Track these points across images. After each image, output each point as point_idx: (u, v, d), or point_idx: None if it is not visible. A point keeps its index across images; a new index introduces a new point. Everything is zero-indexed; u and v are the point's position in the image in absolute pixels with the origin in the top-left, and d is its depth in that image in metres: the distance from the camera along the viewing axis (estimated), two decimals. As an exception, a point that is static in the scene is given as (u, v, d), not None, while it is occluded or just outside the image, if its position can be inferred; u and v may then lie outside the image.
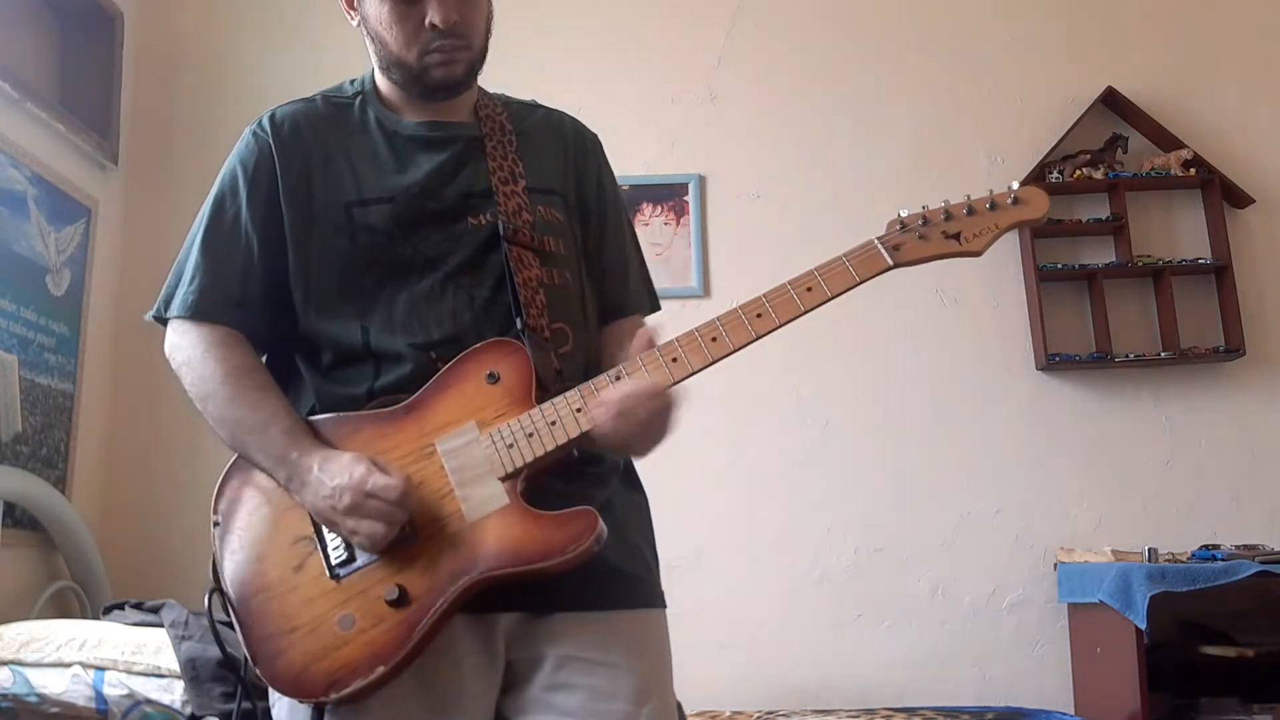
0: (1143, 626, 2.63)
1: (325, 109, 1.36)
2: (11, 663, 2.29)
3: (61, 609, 2.91)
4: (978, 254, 1.23)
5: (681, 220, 3.43)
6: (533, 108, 1.45)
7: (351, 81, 1.40)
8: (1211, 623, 2.89)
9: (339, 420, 1.22)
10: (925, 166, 3.43)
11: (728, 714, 2.80)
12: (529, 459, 1.15)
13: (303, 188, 1.29)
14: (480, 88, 1.40)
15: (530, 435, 1.16)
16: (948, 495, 3.26)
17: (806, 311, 1.20)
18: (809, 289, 1.20)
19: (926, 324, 3.37)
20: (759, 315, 1.19)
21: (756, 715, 2.79)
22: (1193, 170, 3.36)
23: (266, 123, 1.33)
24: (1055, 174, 3.41)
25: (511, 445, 1.16)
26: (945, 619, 3.20)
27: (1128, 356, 3.26)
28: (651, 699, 1.20)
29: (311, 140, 1.31)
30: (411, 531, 1.14)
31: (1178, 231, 3.44)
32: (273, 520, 1.19)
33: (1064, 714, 2.86)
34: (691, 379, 1.19)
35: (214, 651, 2.22)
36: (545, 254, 1.30)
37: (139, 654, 2.27)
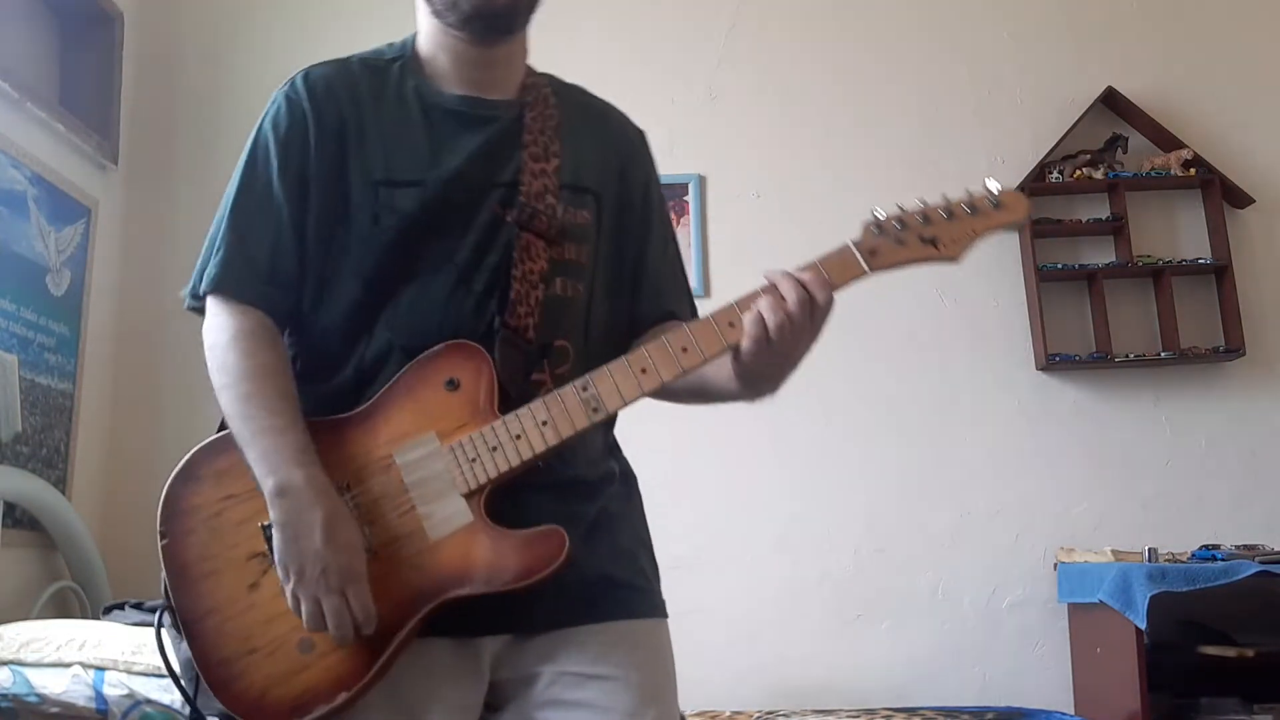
0: (1143, 626, 2.63)
1: (361, 73, 1.26)
2: (11, 663, 2.29)
3: (61, 609, 2.91)
4: (955, 261, 1.17)
5: (681, 220, 3.43)
6: (581, 92, 1.37)
7: (390, 45, 1.31)
8: (1211, 623, 2.89)
9: None
10: (925, 166, 3.43)
11: (728, 714, 2.80)
12: (492, 475, 1.10)
13: (334, 159, 1.21)
14: (529, 66, 1.32)
15: (494, 449, 1.10)
16: (948, 495, 3.26)
17: None
18: (730, 324, 1.12)
19: (926, 324, 3.36)
20: (731, 325, 1.11)
21: (756, 715, 2.79)
22: (1193, 170, 3.36)
23: (301, 85, 1.24)
24: (1055, 174, 3.40)
25: (474, 460, 1.10)
26: (945, 619, 3.19)
27: (1128, 356, 3.26)
28: (650, 710, 1.15)
29: (346, 107, 1.23)
30: (371, 550, 1.09)
31: (1178, 231, 3.44)
32: (223, 535, 1.12)
33: (1064, 714, 2.85)
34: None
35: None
36: (559, 249, 1.22)
37: (139, 654, 2.27)
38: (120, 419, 3.33)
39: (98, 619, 2.67)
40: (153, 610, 2.51)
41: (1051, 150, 3.40)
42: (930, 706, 2.92)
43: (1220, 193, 3.35)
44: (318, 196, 1.20)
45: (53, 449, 3.03)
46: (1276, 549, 2.89)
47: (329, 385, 1.19)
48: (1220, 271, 3.33)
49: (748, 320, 1.09)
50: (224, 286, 1.19)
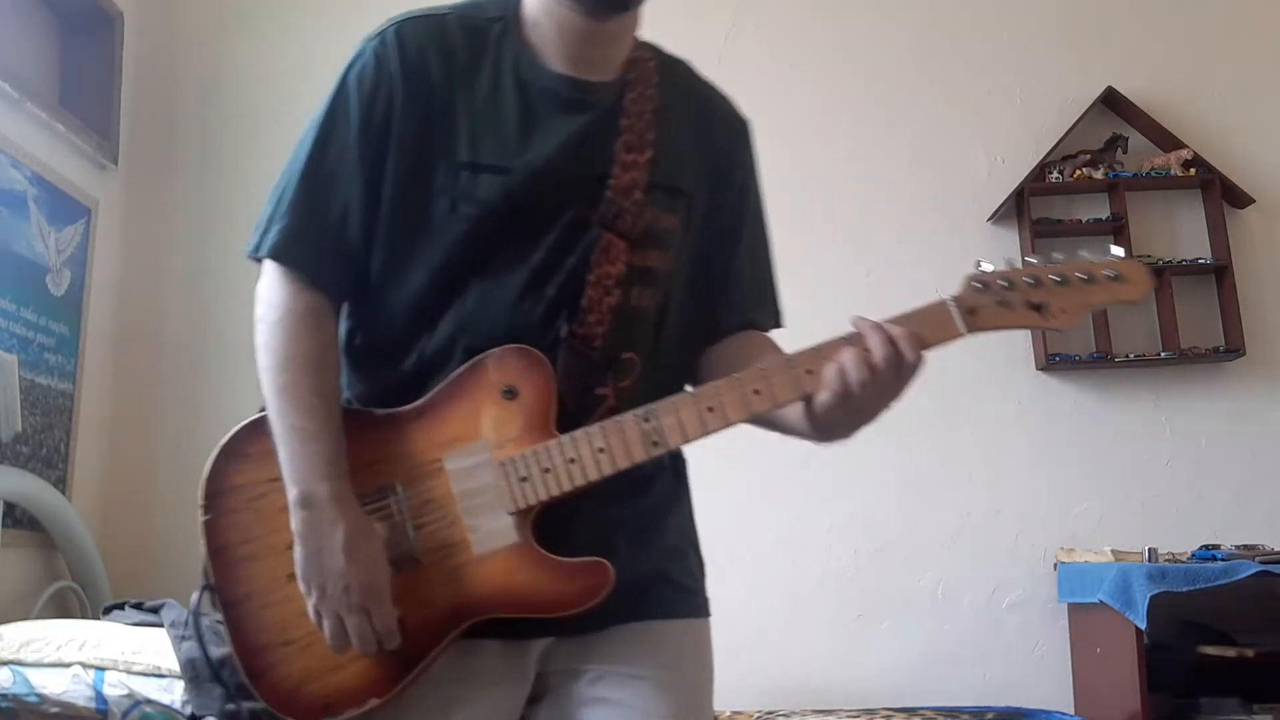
0: (1143, 626, 2.63)
1: (458, 35, 1.15)
2: (11, 663, 2.29)
3: (61, 609, 2.91)
4: (1059, 329, 1.10)
5: (681, 220, 3.43)
6: (687, 73, 1.28)
7: (494, 1, 1.19)
8: (1211, 623, 2.88)
9: (344, 416, 1.11)
10: (925, 166, 3.43)
11: (728, 714, 2.80)
12: (542, 498, 1.06)
13: (418, 130, 1.12)
14: (635, 37, 1.22)
15: (546, 471, 1.06)
16: (948, 495, 3.26)
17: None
18: (810, 371, 1.07)
19: (926, 324, 3.36)
20: (810, 372, 1.06)
21: (756, 715, 2.79)
22: (1193, 170, 3.36)
23: (393, 40, 1.14)
24: (1055, 174, 3.40)
25: (525, 479, 1.06)
26: (945, 619, 3.19)
27: (1128, 356, 3.26)
28: (690, 713, 1.15)
29: (437, 73, 1.13)
30: (416, 557, 1.07)
31: (1178, 231, 3.44)
32: (266, 519, 1.09)
33: (1064, 714, 2.85)
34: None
35: (214, 651, 2.22)
36: (640, 255, 1.14)
37: (139, 654, 2.27)
38: (120, 419, 3.33)
39: (98, 619, 2.67)
40: (154, 610, 2.52)
41: (1051, 150, 3.40)
42: (930, 706, 2.92)
43: (1220, 193, 3.35)
44: (396, 168, 1.13)
45: (53, 449, 3.03)
46: (1276, 549, 2.88)
47: (390, 372, 1.14)
48: (1220, 271, 3.33)
49: (829, 373, 1.04)
50: (285, 256, 1.12)
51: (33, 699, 2.27)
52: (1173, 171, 3.37)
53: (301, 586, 1.05)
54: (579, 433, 1.07)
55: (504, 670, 1.11)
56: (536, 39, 1.16)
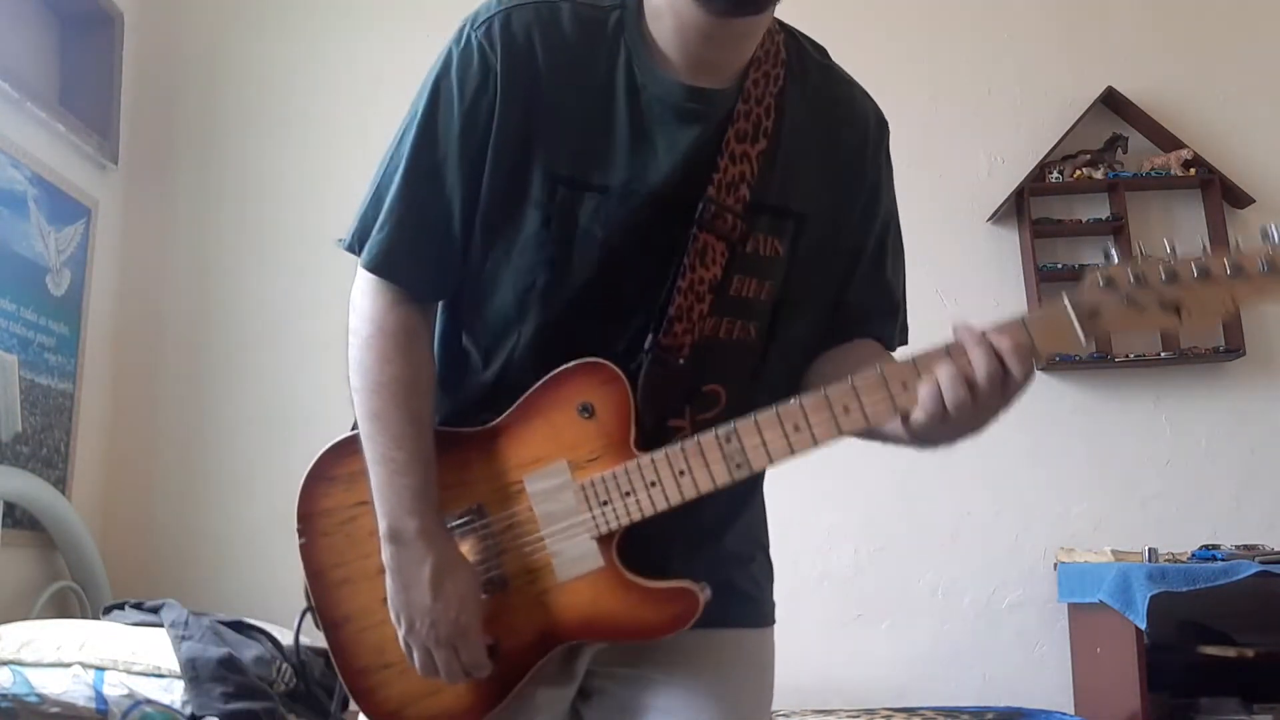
0: (1143, 626, 2.63)
1: (571, 27, 1.05)
2: (11, 663, 2.29)
3: (61, 609, 2.91)
4: (1194, 329, 0.99)
5: (682, 220, 3.43)
6: (820, 70, 1.14)
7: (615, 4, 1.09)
8: (1211, 623, 2.88)
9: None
10: (925, 166, 3.43)
11: (728, 714, 2.80)
12: (624, 522, 1.03)
13: (519, 133, 1.05)
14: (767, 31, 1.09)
15: (627, 495, 1.02)
16: (948, 495, 3.26)
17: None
18: (905, 387, 0.98)
19: (926, 324, 3.34)
20: (905, 386, 0.96)
21: (756, 715, 2.79)
22: (1193, 170, 3.36)
23: (499, 31, 1.04)
24: (1055, 174, 3.40)
25: (606, 503, 1.03)
26: (945, 619, 3.19)
27: (1128, 356, 3.26)
28: None
29: (546, 70, 1.04)
30: (504, 581, 1.07)
31: (1178, 231, 3.44)
32: (357, 543, 1.09)
33: (1064, 714, 2.85)
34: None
35: (214, 651, 2.22)
36: (735, 278, 1.06)
37: (139, 654, 2.27)
38: (120, 419, 3.33)
39: (98, 619, 2.67)
40: (154, 610, 2.52)
41: (1051, 150, 3.40)
42: (930, 706, 2.92)
43: (1220, 193, 3.34)
44: (494, 171, 1.06)
45: (53, 449, 3.03)
46: (1276, 549, 2.88)
47: (471, 383, 1.12)
48: (1220, 271, 3.32)
49: (924, 393, 0.94)
50: (383, 268, 1.07)
51: (33, 699, 2.27)
52: (1173, 171, 3.37)
53: (392, 617, 1.06)
54: (659, 454, 1.02)
55: (558, 670, 1.11)
56: (655, 32, 1.06)
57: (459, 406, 1.13)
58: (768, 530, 1.23)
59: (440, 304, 1.14)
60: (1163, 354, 3.26)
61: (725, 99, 1.07)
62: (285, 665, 2.31)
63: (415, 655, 1.05)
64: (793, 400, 1.00)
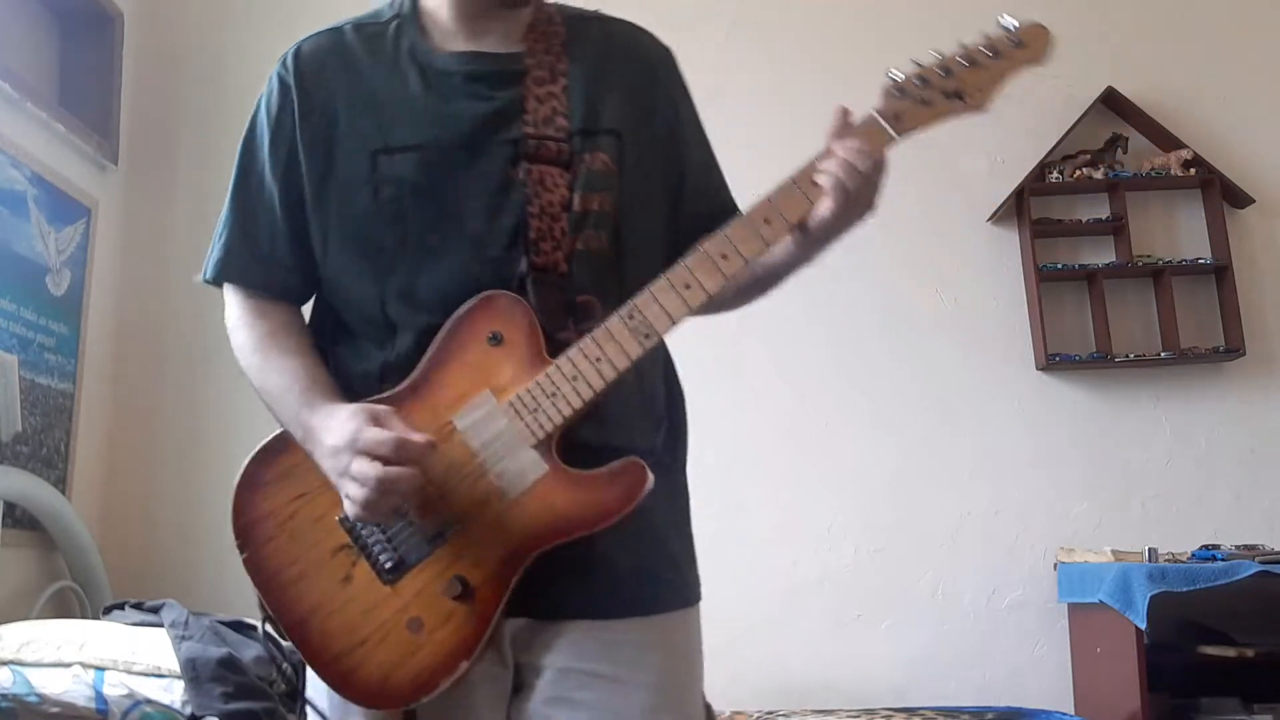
0: (1143, 626, 2.63)
1: (355, 40, 1.22)
2: (11, 663, 2.29)
3: (61, 609, 2.91)
4: (982, 111, 1.13)
5: (681, 220, 3.43)
6: (597, 22, 1.29)
7: (391, 3, 1.27)
8: (1211, 623, 2.89)
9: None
10: (925, 166, 3.43)
11: (727, 714, 2.80)
12: (558, 421, 1.07)
13: (324, 135, 1.18)
14: (537, 5, 1.25)
15: (553, 395, 1.07)
16: (948, 495, 3.26)
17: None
18: (815, 182, 1.11)
19: (926, 324, 3.36)
20: (768, 221, 1.10)
21: (756, 715, 2.79)
22: (1193, 170, 3.36)
23: (290, 61, 1.23)
24: (1055, 174, 3.40)
25: (536, 410, 1.08)
26: (945, 619, 3.20)
27: (1128, 356, 3.26)
28: (664, 714, 1.13)
29: (335, 80, 1.20)
30: (455, 519, 1.09)
31: (1178, 231, 3.44)
32: (303, 536, 1.12)
33: (1064, 714, 2.85)
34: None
35: (214, 651, 2.22)
36: (578, 194, 1.15)
37: (139, 654, 2.27)
38: (120, 419, 3.33)
39: (98, 619, 2.67)
40: (154, 610, 2.52)
41: (1051, 150, 3.40)
42: (930, 706, 2.92)
43: (1220, 193, 3.35)
44: (310, 170, 1.19)
45: (53, 449, 3.03)
46: (1276, 549, 2.89)
47: (369, 366, 1.17)
48: (1220, 271, 3.33)
49: (826, 182, 1.09)
50: (227, 274, 1.23)
51: (33, 699, 2.27)
52: (1173, 171, 3.37)
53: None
54: (571, 350, 1.08)
55: (492, 664, 1.12)
56: (435, 23, 1.22)
57: (371, 386, 1.16)
58: (687, 508, 1.27)
59: (320, 320, 1.23)
60: (1163, 354, 3.26)
61: (514, 57, 1.19)
62: (286, 665, 2.31)
63: (350, 496, 1.05)
64: (678, 263, 1.09)
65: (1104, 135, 3.42)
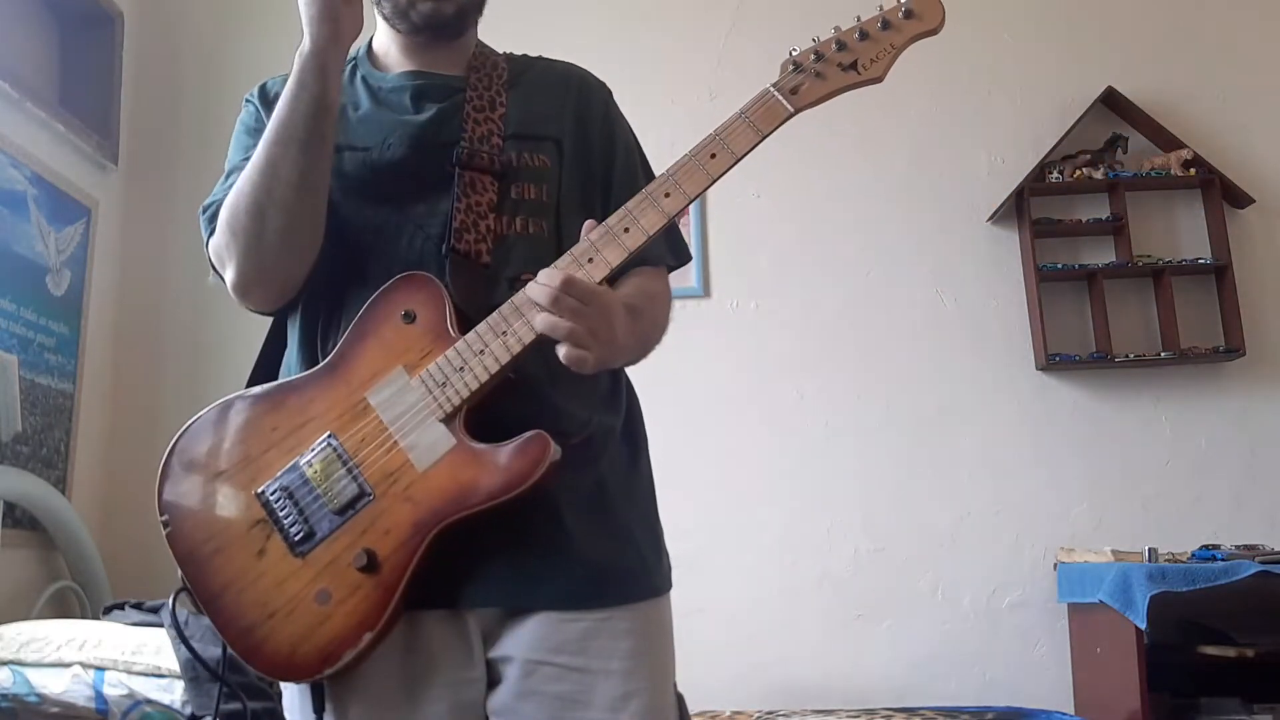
0: (1143, 626, 2.63)
1: None
2: (11, 663, 2.29)
3: (61, 609, 2.91)
4: (879, 80, 1.18)
5: (681, 220, 3.43)
6: (536, 60, 1.39)
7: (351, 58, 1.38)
8: (1211, 623, 2.88)
9: (262, 393, 1.21)
10: (925, 166, 3.43)
11: (728, 714, 2.80)
12: (464, 395, 1.10)
13: None
14: (481, 42, 1.37)
15: (460, 369, 1.11)
16: (948, 495, 3.27)
17: (716, 180, 1.18)
18: (713, 155, 1.17)
19: (926, 324, 3.36)
20: (668, 195, 1.16)
21: (756, 715, 2.79)
22: (1193, 170, 3.36)
23: (256, 90, 1.37)
24: (1055, 174, 3.41)
25: (444, 384, 1.11)
26: (945, 619, 3.20)
27: (1128, 356, 3.26)
28: (632, 701, 1.14)
29: None
30: (366, 489, 1.11)
31: (1178, 231, 3.44)
32: (221, 510, 1.16)
33: (1064, 714, 2.85)
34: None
35: (214, 651, 2.22)
36: (517, 187, 1.24)
37: (139, 654, 2.27)
38: (120, 419, 3.33)
39: (98, 619, 2.67)
40: (153, 610, 2.52)
41: (1051, 150, 3.40)
42: (930, 706, 2.92)
43: (1220, 193, 3.35)
44: None
45: (53, 449, 3.03)
46: (1276, 549, 2.89)
47: (315, 344, 1.23)
48: (1220, 271, 3.33)
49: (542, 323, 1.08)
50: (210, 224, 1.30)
51: (33, 699, 2.27)
52: (1173, 171, 3.37)
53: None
54: (480, 326, 1.12)
55: (450, 641, 1.14)
56: (383, 60, 1.34)
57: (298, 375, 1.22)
58: (652, 497, 1.30)
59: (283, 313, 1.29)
60: (1163, 354, 3.26)
61: (456, 79, 1.30)
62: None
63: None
64: (581, 240, 1.12)
65: (1104, 135, 3.42)
